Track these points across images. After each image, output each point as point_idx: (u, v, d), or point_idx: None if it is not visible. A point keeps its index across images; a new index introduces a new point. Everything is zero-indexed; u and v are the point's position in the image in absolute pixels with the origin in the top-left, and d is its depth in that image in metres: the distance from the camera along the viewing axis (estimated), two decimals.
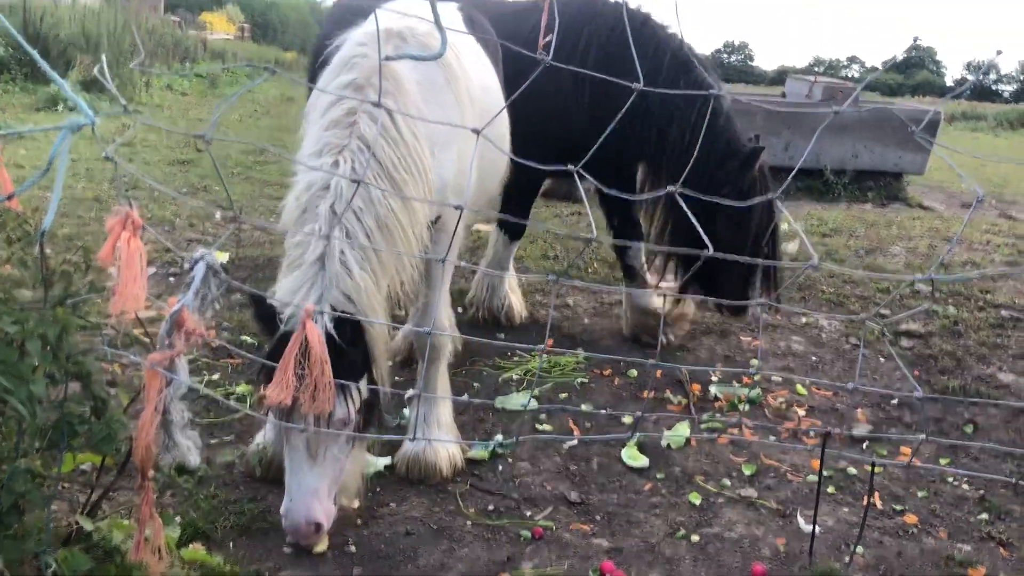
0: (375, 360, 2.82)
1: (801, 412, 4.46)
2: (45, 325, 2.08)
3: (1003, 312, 6.11)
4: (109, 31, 15.11)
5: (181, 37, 22.46)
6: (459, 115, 3.22)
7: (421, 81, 3.06)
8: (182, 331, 2.09)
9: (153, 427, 2.11)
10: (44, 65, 1.96)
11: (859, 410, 4.50)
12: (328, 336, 2.49)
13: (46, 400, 2.13)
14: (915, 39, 2.40)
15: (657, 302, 5.16)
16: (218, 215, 7.21)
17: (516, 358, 4.78)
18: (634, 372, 4.74)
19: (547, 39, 1.94)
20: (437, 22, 1.77)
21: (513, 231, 5.34)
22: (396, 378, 4.45)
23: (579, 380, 4.58)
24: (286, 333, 2.45)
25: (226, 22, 31.96)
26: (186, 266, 2.13)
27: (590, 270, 6.70)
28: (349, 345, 2.58)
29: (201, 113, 14.04)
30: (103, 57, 2.18)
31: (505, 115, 3.86)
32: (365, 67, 2.91)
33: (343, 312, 2.59)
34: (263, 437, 3.37)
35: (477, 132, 2.04)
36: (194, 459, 2.22)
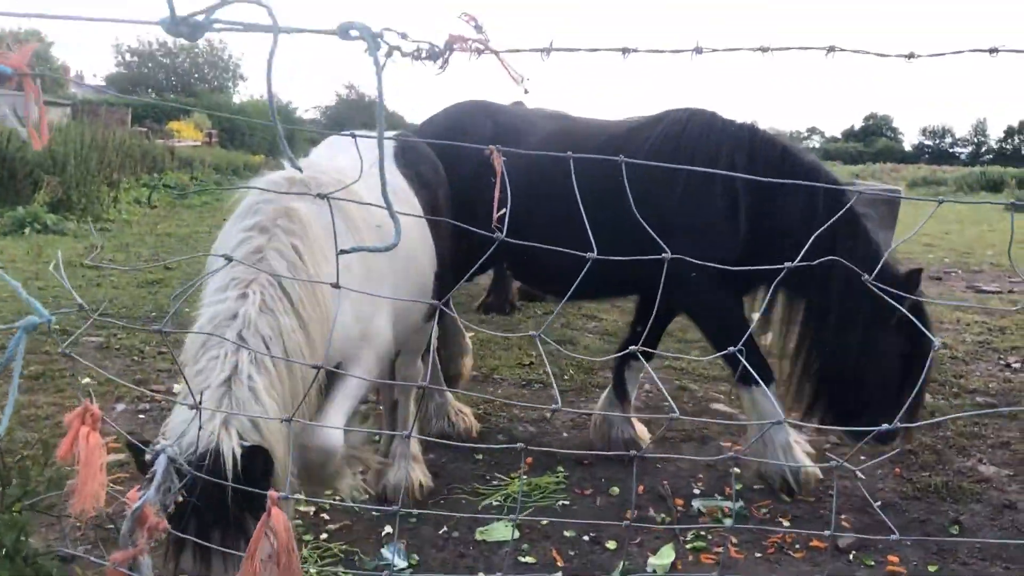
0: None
1: (786, 522, 4.40)
2: (2, 529, 2.02)
3: (978, 398, 6.13)
4: (76, 150, 15.20)
5: (149, 147, 22.66)
6: (361, 261, 3.22)
7: (327, 226, 3.02)
8: (145, 528, 2.03)
9: None
10: (3, 275, 1.95)
11: (843, 517, 4.45)
12: (244, 468, 2.34)
13: None
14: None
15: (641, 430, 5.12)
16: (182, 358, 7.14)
17: (495, 483, 4.71)
18: (616, 489, 4.68)
19: (501, 213, 1.94)
20: (391, 212, 1.78)
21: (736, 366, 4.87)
22: (375, 512, 4.38)
23: (560, 502, 4.51)
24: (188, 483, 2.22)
25: (193, 129, 32.32)
26: (147, 458, 2.08)
27: (566, 376, 6.67)
28: (261, 476, 2.40)
29: (170, 227, 14.07)
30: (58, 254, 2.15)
31: (427, 251, 3.95)
32: (269, 211, 2.94)
33: (249, 440, 2.44)
34: None
35: (438, 306, 2.03)
36: None
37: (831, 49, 1.96)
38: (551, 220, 4.62)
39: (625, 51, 1.95)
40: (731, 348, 2.00)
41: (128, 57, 54.59)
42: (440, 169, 4.74)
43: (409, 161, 4.17)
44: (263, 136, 35.68)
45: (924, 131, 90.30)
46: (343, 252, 1.85)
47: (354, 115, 54.62)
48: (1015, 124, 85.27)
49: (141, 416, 5.51)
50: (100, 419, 2.08)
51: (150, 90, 51.22)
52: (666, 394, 1.92)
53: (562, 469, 4.88)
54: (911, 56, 1.96)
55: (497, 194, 2.13)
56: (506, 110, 5.41)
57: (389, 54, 1.85)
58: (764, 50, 1.94)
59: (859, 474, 4.90)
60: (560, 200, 4.57)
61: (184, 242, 13.13)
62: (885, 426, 1.66)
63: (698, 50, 1.91)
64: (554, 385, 1.96)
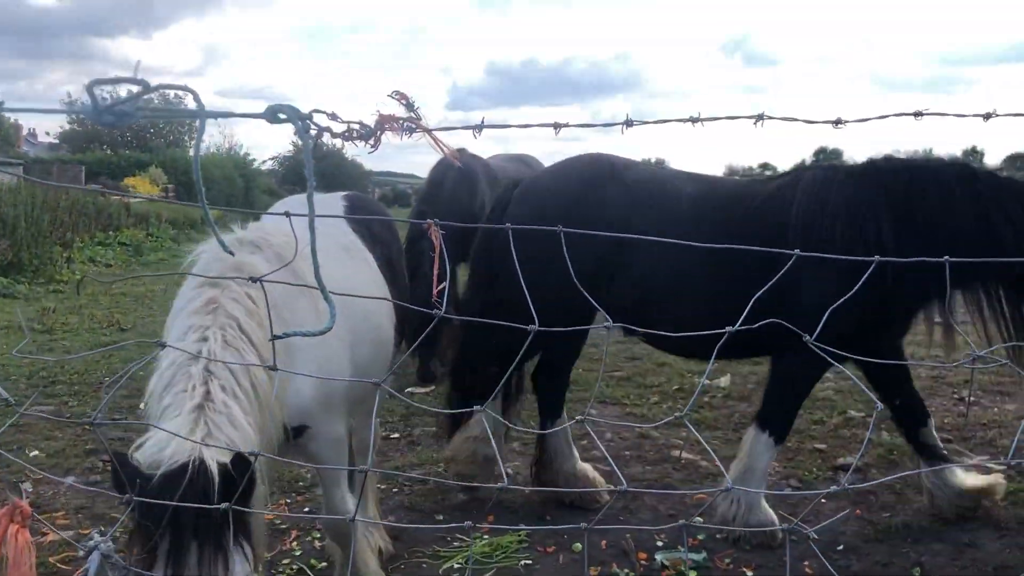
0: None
1: (749, 572, 4.38)
2: None
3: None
4: (26, 211, 14.99)
5: (104, 204, 22.38)
6: (315, 319, 3.22)
7: (279, 276, 3.03)
8: None
9: None
10: None
11: (806, 563, 4.43)
12: (226, 475, 2.25)
13: None
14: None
15: (973, 479, 4.92)
16: (142, 406, 7.01)
17: (456, 544, 4.64)
18: (578, 545, 4.62)
19: (441, 287, 1.92)
20: (325, 294, 1.75)
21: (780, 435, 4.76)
22: None
23: (523, 562, 4.44)
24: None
25: (150, 184, 32.07)
26: (80, 554, 2.01)
27: (532, 421, 6.61)
28: (245, 490, 2.28)
29: (125, 287, 13.86)
30: None
31: (384, 305, 3.92)
32: (220, 268, 2.97)
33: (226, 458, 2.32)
34: None
35: (378, 384, 2.00)
36: None
37: (760, 117, 1.98)
38: (690, 284, 4.59)
39: (556, 126, 1.96)
40: (678, 413, 1.98)
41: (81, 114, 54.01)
42: (393, 226, 4.75)
43: (363, 223, 4.18)
44: (220, 190, 35.52)
45: None
46: (276, 338, 1.81)
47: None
48: (959, 155, 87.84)
49: (92, 488, 5.36)
50: (31, 516, 2.02)
51: (105, 146, 50.80)
52: (615, 467, 1.90)
53: (524, 525, 4.82)
54: (838, 122, 1.99)
55: (436, 269, 2.12)
56: (633, 169, 5.00)
57: (319, 135, 1.84)
58: (694, 121, 1.96)
59: (813, 535, 4.89)
60: (697, 266, 4.58)
61: (140, 302, 12.94)
62: None
63: (629, 123, 1.93)
64: (500, 463, 1.93)
